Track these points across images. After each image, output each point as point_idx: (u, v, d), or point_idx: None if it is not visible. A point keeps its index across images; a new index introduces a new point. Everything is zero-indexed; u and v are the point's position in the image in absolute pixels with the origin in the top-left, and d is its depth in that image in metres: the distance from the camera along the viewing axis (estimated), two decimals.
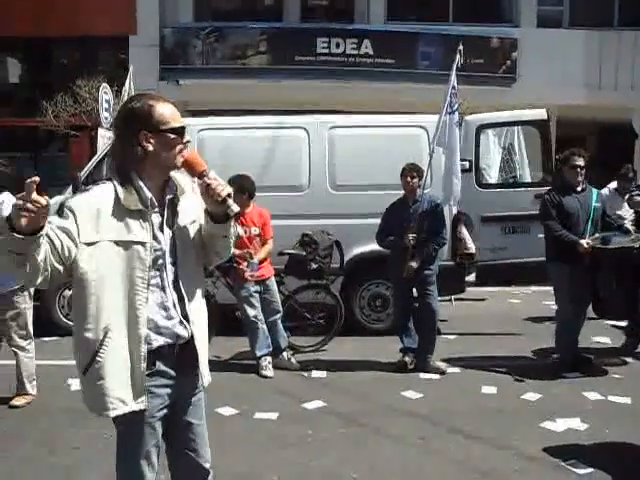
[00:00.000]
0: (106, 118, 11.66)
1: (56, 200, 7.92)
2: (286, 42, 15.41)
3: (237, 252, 6.24)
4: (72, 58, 16.62)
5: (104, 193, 2.42)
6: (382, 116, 8.27)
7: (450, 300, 9.04)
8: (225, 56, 15.53)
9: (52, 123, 13.32)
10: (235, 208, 2.48)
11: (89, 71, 13.89)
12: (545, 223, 6.24)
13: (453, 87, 6.78)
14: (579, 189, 6.21)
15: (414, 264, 6.19)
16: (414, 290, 6.44)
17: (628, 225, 6.64)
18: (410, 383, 5.94)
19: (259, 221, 6.45)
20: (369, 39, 15.31)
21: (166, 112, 2.42)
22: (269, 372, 6.26)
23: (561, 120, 14.62)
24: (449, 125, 6.74)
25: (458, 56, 6.86)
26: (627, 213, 7.50)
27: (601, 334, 7.45)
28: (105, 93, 11.75)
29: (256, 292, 6.41)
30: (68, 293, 7.80)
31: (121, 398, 2.42)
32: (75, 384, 5.88)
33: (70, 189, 7.76)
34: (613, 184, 8.84)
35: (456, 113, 6.86)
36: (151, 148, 2.40)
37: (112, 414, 2.43)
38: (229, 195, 2.44)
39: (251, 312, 6.34)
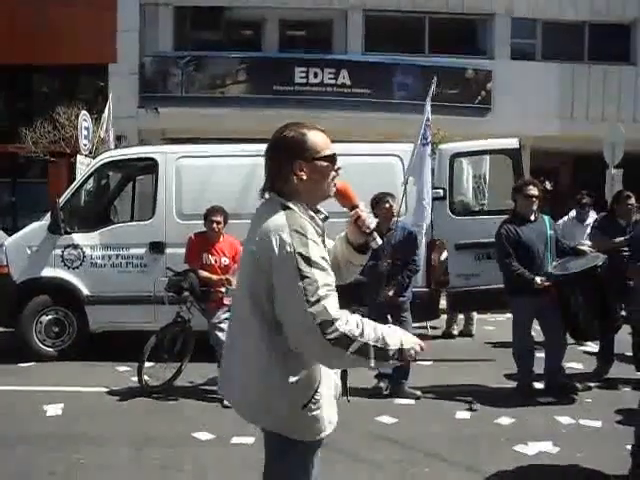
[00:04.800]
0: (85, 145, 11.73)
1: (33, 227, 7.96)
2: (265, 71, 15.63)
3: (215, 278, 6.34)
4: (52, 85, 16.72)
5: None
6: (357, 144, 8.32)
7: (426, 327, 9.14)
8: (204, 85, 15.70)
9: (31, 150, 13.34)
10: (379, 241, 2.50)
11: (69, 98, 13.99)
12: (502, 262, 6.20)
13: (427, 119, 6.93)
14: (532, 218, 6.23)
15: (389, 291, 6.30)
16: (389, 316, 6.51)
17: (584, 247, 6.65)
18: (385, 408, 5.98)
19: (230, 252, 6.47)
20: (346, 69, 15.59)
21: (319, 140, 2.37)
22: None
23: (535, 150, 14.93)
24: (422, 156, 6.88)
25: (432, 88, 7.01)
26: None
27: (574, 360, 7.55)
28: (84, 120, 11.84)
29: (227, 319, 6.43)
30: (45, 319, 7.79)
31: (330, 419, 2.42)
32: (51, 410, 5.87)
33: (49, 215, 7.77)
34: (572, 212, 9.07)
35: (429, 145, 7.00)
36: (305, 177, 2.34)
37: (324, 434, 2.40)
38: (375, 228, 2.48)
39: (224, 338, 6.33)
